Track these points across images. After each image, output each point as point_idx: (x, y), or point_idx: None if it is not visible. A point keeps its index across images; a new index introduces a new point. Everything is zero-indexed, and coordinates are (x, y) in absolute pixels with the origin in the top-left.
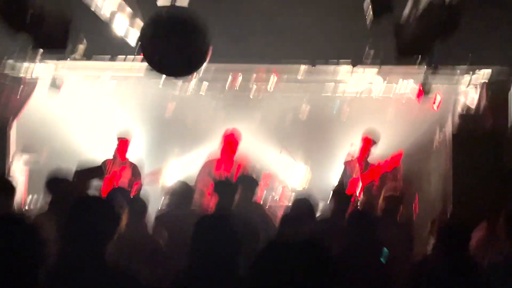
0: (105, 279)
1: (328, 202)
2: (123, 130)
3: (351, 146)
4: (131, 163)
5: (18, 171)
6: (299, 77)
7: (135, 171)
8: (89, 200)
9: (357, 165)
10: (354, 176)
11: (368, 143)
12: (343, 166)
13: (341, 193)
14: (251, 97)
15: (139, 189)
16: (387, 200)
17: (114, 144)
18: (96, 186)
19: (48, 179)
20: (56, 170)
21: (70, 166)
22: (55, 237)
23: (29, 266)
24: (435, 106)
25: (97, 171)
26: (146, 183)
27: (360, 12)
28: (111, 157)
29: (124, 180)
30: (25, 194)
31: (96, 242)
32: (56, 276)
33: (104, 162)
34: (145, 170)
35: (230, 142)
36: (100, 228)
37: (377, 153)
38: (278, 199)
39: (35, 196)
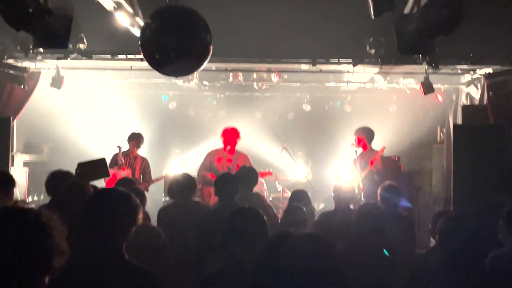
0: (123, 273)
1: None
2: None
3: (351, 145)
4: (142, 158)
5: (19, 170)
6: (299, 76)
7: (145, 166)
8: (110, 192)
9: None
10: (358, 170)
11: (357, 141)
12: (350, 160)
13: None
14: (252, 95)
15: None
16: (386, 191)
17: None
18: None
19: (51, 176)
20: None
21: (72, 163)
22: (69, 230)
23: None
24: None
25: (100, 163)
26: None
27: (361, 11)
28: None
29: (129, 174)
30: (26, 194)
31: (115, 235)
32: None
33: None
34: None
35: (229, 137)
36: (121, 221)
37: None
38: (281, 191)
39: (35, 197)
